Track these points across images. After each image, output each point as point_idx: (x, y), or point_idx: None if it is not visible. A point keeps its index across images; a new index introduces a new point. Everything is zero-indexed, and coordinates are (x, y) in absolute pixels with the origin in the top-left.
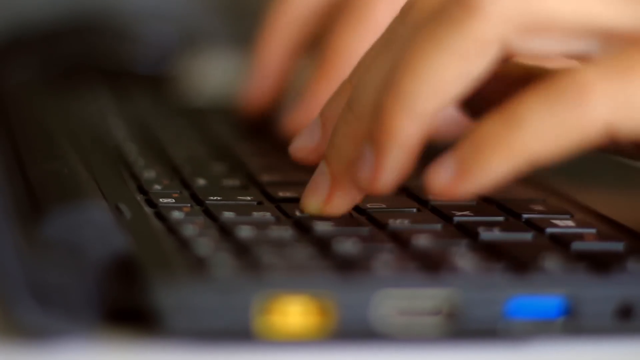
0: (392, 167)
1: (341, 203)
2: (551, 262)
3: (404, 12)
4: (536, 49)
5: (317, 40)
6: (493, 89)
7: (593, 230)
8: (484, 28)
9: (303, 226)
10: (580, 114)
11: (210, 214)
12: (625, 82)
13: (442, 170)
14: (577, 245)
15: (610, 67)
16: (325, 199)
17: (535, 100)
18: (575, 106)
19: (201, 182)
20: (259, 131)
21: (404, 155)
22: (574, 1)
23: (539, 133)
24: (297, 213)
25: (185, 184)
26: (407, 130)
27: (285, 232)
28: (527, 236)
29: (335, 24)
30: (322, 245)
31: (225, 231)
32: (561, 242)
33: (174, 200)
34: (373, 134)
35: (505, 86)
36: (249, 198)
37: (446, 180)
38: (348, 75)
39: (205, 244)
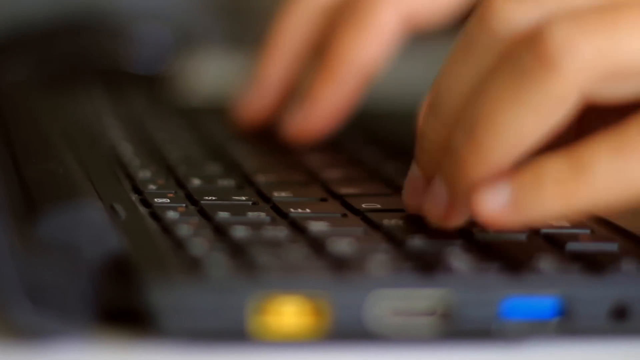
0: (465, 209)
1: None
2: (546, 263)
3: (483, 16)
4: (615, 94)
5: (320, 45)
6: None
7: (587, 231)
8: (563, 84)
9: (298, 226)
10: None
11: (205, 214)
12: None
13: (494, 197)
14: (571, 246)
15: None
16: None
17: (604, 149)
18: None
19: (196, 182)
20: (255, 132)
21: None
22: None
23: (604, 183)
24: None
25: (180, 184)
26: (483, 179)
27: (280, 232)
28: (522, 236)
29: (338, 28)
30: (317, 246)
31: (220, 231)
32: (556, 243)
33: (168, 200)
34: (447, 175)
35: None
36: (243, 198)
37: (497, 208)
38: (426, 109)
39: (200, 244)
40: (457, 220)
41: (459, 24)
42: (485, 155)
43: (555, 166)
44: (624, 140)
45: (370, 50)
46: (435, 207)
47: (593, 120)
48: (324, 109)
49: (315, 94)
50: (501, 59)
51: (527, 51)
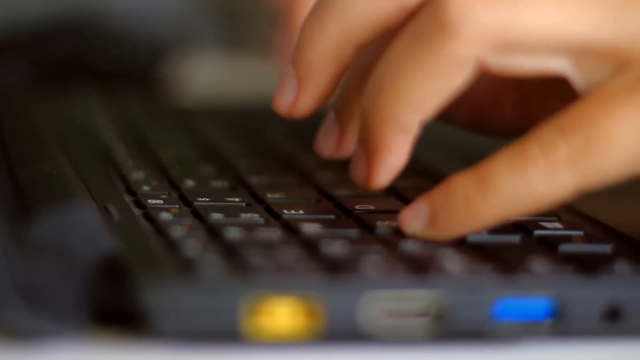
0: (384, 170)
1: (307, 106)
2: (539, 264)
3: None
4: (511, 65)
5: None
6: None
7: (581, 233)
8: (458, 48)
9: (291, 228)
10: (549, 181)
11: (199, 215)
12: (587, 144)
13: (415, 216)
14: (564, 248)
15: (568, 122)
16: (292, 102)
17: (505, 165)
18: (544, 174)
19: (190, 183)
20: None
21: (395, 161)
22: (549, 17)
23: (508, 198)
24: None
25: (174, 185)
26: (394, 141)
27: (273, 233)
28: (515, 238)
29: None
30: (310, 247)
31: (214, 232)
32: (549, 244)
33: (162, 202)
34: (362, 140)
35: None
36: (237, 199)
37: (418, 227)
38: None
39: (194, 245)
40: (380, 182)
41: None
42: (391, 117)
43: (463, 184)
44: (523, 155)
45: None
46: (358, 171)
47: (534, 98)
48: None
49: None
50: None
51: (427, 15)
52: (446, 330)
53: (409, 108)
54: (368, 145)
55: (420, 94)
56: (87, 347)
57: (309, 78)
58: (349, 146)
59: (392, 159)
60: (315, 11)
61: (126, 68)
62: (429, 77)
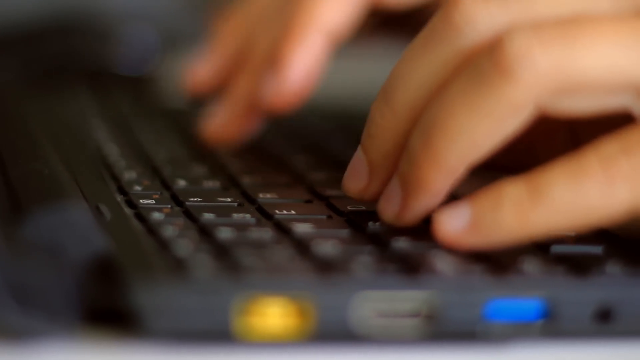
0: (418, 209)
1: (380, 190)
2: (530, 265)
3: (449, 12)
4: (570, 107)
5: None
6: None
7: (572, 233)
8: (517, 93)
9: (283, 228)
10: (605, 197)
11: (190, 215)
12: None
13: (454, 218)
14: (556, 248)
15: (633, 140)
16: (365, 186)
17: (561, 175)
18: (600, 189)
19: (181, 183)
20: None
21: (431, 200)
22: (607, 56)
23: (561, 210)
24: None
25: (166, 185)
26: (437, 181)
27: (265, 233)
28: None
29: None
30: (302, 247)
31: (205, 232)
32: (540, 245)
33: (154, 201)
34: (403, 176)
35: (548, 132)
36: (229, 199)
37: (456, 230)
38: (378, 96)
39: (185, 245)
40: (409, 220)
41: (423, 15)
42: (440, 158)
43: (514, 190)
44: (580, 166)
45: (335, 14)
46: (389, 205)
47: (586, 134)
48: (295, 73)
49: (285, 58)
50: (461, 65)
51: (486, 58)
52: (437, 330)
53: (460, 150)
54: (409, 183)
55: (474, 137)
56: (78, 346)
57: (382, 167)
58: (379, 191)
59: (429, 199)
60: (385, 95)
61: (118, 67)
62: (485, 120)
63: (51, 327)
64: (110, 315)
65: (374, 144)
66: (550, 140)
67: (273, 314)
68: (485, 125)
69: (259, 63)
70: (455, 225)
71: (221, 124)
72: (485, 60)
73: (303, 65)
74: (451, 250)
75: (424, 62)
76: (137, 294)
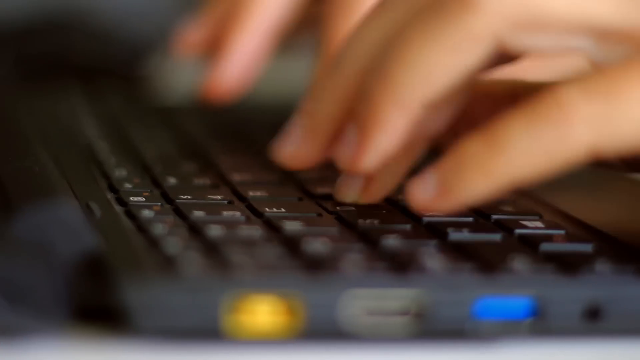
0: (376, 150)
1: (314, 155)
2: (519, 263)
3: None
4: (530, 46)
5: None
6: (479, 107)
7: (562, 232)
8: (478, 23)
9: (273, 226)
10: (563, 136)
11: (180, 213)
12: (609, 103)
13: (423, 186)
14: (545, 247)
15: (591, 86)
16: (299, 151)
17: (517, 122)
18: (558, 129)
19: (172, 181)
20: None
21: (389, 140)
22: None
23: (521, 156)
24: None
25: (156, 183)
26: (394, 118)
27: (254, 231)
28: (496, 237)
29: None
30: (291, 245)
31: (195, 230)
32: (530, 243)
33: (144, 199)
34: (359, 117)
35: (491, 104)
36: (219, 197)
37: (427, 197)
38: (334, 56)
39: (175, 242)
40: (368, 164)
41: None
42: (395, 91)
43: (474, 146)
44: (538, 111)
45: (276, 8)
46: (346, 149)
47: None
48: (239, 57)
49: (230, 44)
50: (421, 5)
51: None
52: (426, 328)
53: (416, 83)
54: (365, 122)
55: (431, 68)
56: (68, 344)
57: (324, 131)
58: (315, 157)
59: (385, 139)
60: (336, 59)
61: (109, 65)
62: (443, 52)
63: (40, 324)
64: (99, 312)
65: (318, 108)
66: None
67: (262, 312)
68: (443, 56)
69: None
70: (426, 192)
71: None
72: None
73: (240, 58)
74: (443, 248)
75: (379, 23)
76: (126, 291)
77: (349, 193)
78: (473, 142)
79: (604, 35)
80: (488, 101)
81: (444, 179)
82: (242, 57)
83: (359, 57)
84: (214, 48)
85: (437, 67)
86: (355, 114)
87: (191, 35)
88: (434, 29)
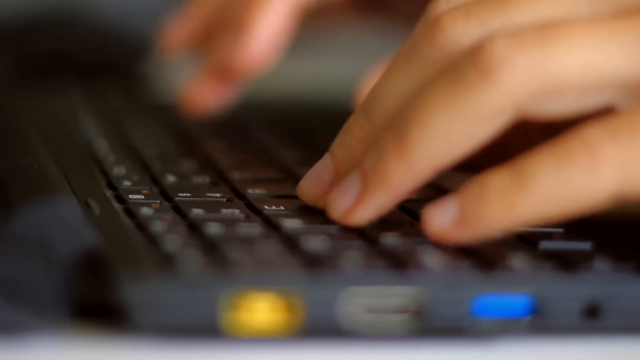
0: (373, 207)
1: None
2: (518, 261)
3: (429, 27)
4: (551, 109)
5: None
6: (512, 137)
7: (561, 230)
8: (497, 95)
9: (272, 223)
10: (589, 180)
11: (180, 211)
12: (634, 145)
13: (442, 213)
14: (544, 244)
15: (618, 127)
16: (325, 194)
17: (544, 161)
18: (585, 172)
19: (171, 178)
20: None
21: (389, 200)
22: (586, 58)
23: (546, 195)
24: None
25: (155, 181)
26: (401, 182)
27: (253, 229)
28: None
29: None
30: (291, 243)
31: (194, 228)
32: (529, 241)
33: (143, 197)
34: (365, 169)
35: (524, 135)
36: (218, 195)
37: (445, 225)
38: (358, 107)
39: (174, 240)
40: (360, 218)
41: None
42: (410, 155)
43: (499, 179)
44: (564, 151)
45: None
46: (342, 199)
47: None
48: (260, 37)
49: (249, 23)
50: (442, 69)
51: (467, 60)
52: (425, 326)
53: (432, 150)
54: (371, 177)
55: (449, 137)
56: (67, 341)
57: (377, 192)
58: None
59: (388, 198)
60: (365, 108)
61: (108, 62)
62: (462, 121)
63: (39, 322)
64: (98, 310)
65: (346, 153)
66: (528, 143)
67: (261, 309)
68: (461, 126)
69: (229, 28)
70: (443, 220)
71: (197, 90)
72: (466, 62)
73: (267, 30)
74: (439, 246)
75: (405, 76)
76: (125, 289)
77: (338, 208)
78: (499, 175)
79: (625, 87)
80: (521, 132)
81: (464, 208)
82: (267, 34)
83: (384, 104)
84: (204, 42)
85: (455, 136)
86: (362, 167)
87: (177, 31)
88: (453, 98)
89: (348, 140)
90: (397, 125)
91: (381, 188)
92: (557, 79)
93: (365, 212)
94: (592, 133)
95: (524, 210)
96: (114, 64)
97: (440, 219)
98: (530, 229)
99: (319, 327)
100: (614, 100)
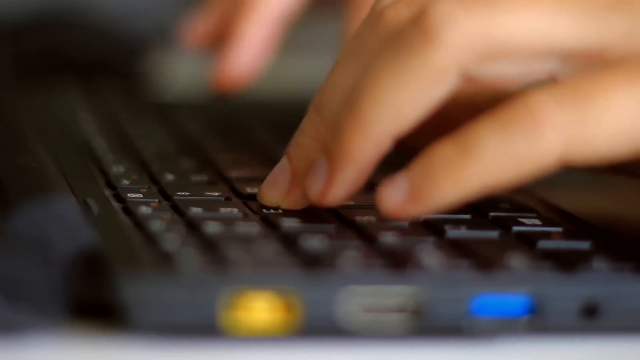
0: (343, 184)
1: (300, 200)
2: (517, 260)
3: (374, 20)
4: (496, 74)
5: None
6: (461, 116)
7: (559, 229)
8: (441, 57)
9: (270, 222)
10: (534, 144)
11: (178, 210)
12: (579, 110)
13: (393, 191)
14: (543, 244)
15: (564, 93)
16: (284, 195)
17: (488, 129)
18: (529, 136)
19: (169, 177)
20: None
21: (357, 174)
22: (532, 23)
23: (491, 163)
24: (261, 207)
25: (154, 179)
26: (363, 151)
27: (252, 228)
28: (494, 234)
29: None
30: (289, 242)
31: (192, 227)
32: (527, 241)
33: (142, 196)
34: (329, 150)
35: (473, 113)
36: (216, 194)
37: (397, 202)
38: (310, 107)
39: (172, 239)
40: (335, 197)
41: None
42: (366, 126)
43: (444, 151)
44: (509, 117)
45: None
46: (315, 182)
47: None
48: (248, 46)
49: (238, 34)
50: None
51: (411, 27)
52: (424, 325)
53: (386, 117)
54: (335, 155)
55: (399, 103)
56: (65, 340)
57: (344, 168)
58: (298, 200)
59: (355, 172)
60: (316, 106)
61: (107, 61)
62: (409, 86)
63: (38, 321)
64: (97, 309)
65: (300, 153)
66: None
67: (259, 309)
68: (410, 91)
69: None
70: (395, 196)
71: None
72: (410, 28)
73: (250, 44)
74: (440, 245)
75: (352, 70)
76: (124, 288)
77: (271, 197)
78: (443, 147)
79: (569, 56)
80: (469, 110)
81: (413, 183)
82: (250, 47)
83: (335, 101)
84: (220, 39)
85: (404, 102)
86: (325, 148)
87: (197, 27)
88: (399, 64)
89: (302, 140)
90: (350, 100)
91: (346, 163)
92: (502, 42)
93: (338, 191)
94: (537, 98)
95: (472, 179)
96: (113, 63)
97: (392, 195)
98: (530, 228)
99: (318, 327)
100: (557, 69)
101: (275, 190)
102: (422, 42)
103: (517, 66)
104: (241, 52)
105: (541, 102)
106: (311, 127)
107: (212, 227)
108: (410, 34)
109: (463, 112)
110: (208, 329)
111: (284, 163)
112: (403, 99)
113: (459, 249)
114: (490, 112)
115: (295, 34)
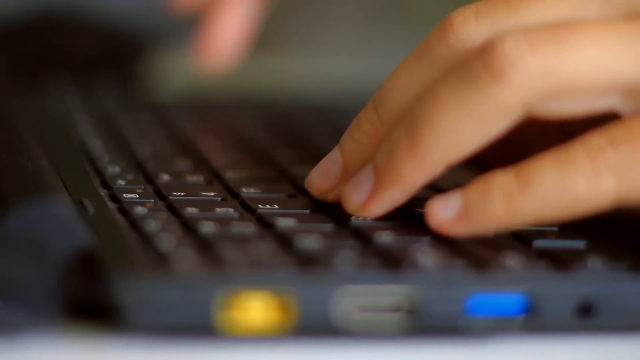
0: (386, 202)
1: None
2: (512, 260)
3: (444, 31)
4: (558, 110)
5: None
6: (529, 128)
7: (554, 228)
8: (506, 95)
9: (266, 222)
10: (591, 184)
11: (174, 210)
12: (635, 151)
13: (445, 206)
14: (538, 243)
15: (619, 133)
16: (333, 187)
17: (548, 164)
18: (587, 177)
19: (165, 177)
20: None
21: (402, 195)
22: (594, 60)
23: (548, 199)
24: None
25: (149, 180)
26: (414, 176)
27: (247, 228)
28: (489, 233)
29: None
30: (284, 242)
31: (188, 227)
32: (523, 240)
33: (137, 196)
34: (377, 165)
35: (540, 126)
36: (212, 194)
37: (446, 217)
38: (368, 103)
39: (168, 239)
40: (373, 212)
41: None
42: (421, 152)
43: (504, 179)
44: (568, 157)
45: None
46: (356, 193)
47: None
48: (221, 34)
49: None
50: (452, 67)
51: (477, 59)
52: (419, 325)
53: (443, 147)
54: (384, 174)
55: (459, 135)
56: (61, 340)
57: (390, 188)
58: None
59: (400, 193)
60: (375, 104)
61: (103, 62)
62: (472, 120)
63: (33, 321)
64: (92, 309)
65: (355, 149)
66: (546, 141)
67: (255, 309)
68: (471, 125)
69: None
70: (446, 213)
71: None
72: (476, 60)
73: (228, 28)
74: (435, 245)
75: (416, 74)
76: (119, 288)
77: (353, 203)
78: (504, 175)
79: (631, 91)
80: (537, 123)
81: (467, 203)
82: (235, 14)
83: (394, 101)
84: (206, 5)
85: (464, 134)
86: (375, 162)
87: None
88: (463, 96)
89: (357, 136)
90: (408, 122)
91: (394, 184)
92: (566, 80)
93: (379, 207)
94: (595, 140)
95: (525, 211)
96: (109, 64)
97: (443, 211)
98: (525, 228)
99: (313, 326)
100: (618, 104)
101: (324, 181)
102: (488, 78)
103: (579, 102)
104: (226, 19)
105: (598, 144)
106: (367, 123)
107: (207, 228)
108: (476, 67)
109: (532, 126)
110: (204, 329)
111: (336, 155)
112: (463, 131)
113: (454, 248)
114: (552, 150)
115: (290, 34)
